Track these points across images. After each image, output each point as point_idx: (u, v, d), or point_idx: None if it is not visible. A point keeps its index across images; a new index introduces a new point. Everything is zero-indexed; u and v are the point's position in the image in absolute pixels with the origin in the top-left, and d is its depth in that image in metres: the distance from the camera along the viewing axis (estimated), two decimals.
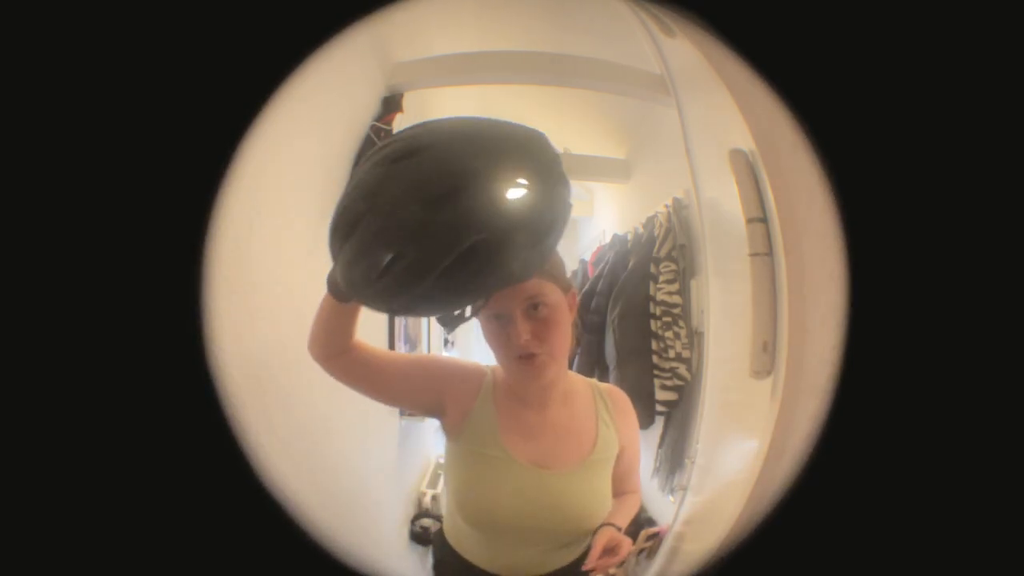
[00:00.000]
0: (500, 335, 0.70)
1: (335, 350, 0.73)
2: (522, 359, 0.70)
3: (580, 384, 0.81)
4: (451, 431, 0.77)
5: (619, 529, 0.76)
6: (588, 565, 0.71)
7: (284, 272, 1.04)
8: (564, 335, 0.72)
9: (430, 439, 2.31)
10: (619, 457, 0.81)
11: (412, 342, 2.02)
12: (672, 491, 1.60)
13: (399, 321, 1.70)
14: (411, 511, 1.96)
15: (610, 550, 0.72)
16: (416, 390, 0.76)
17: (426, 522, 1.91)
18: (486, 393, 0.76)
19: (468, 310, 0.64)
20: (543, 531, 0.74)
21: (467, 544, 0.80)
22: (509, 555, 0.77)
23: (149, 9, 0.49)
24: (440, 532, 0.85)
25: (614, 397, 0.83)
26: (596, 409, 0.80)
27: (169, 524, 0.50)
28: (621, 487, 0.83)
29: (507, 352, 0.70)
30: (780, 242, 0.98)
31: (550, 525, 0.74)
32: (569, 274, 0.76)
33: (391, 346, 1.68)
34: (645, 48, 1.52)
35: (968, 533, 0.50)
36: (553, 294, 0.70)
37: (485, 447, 0.74)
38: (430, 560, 0.87)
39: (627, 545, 0.73)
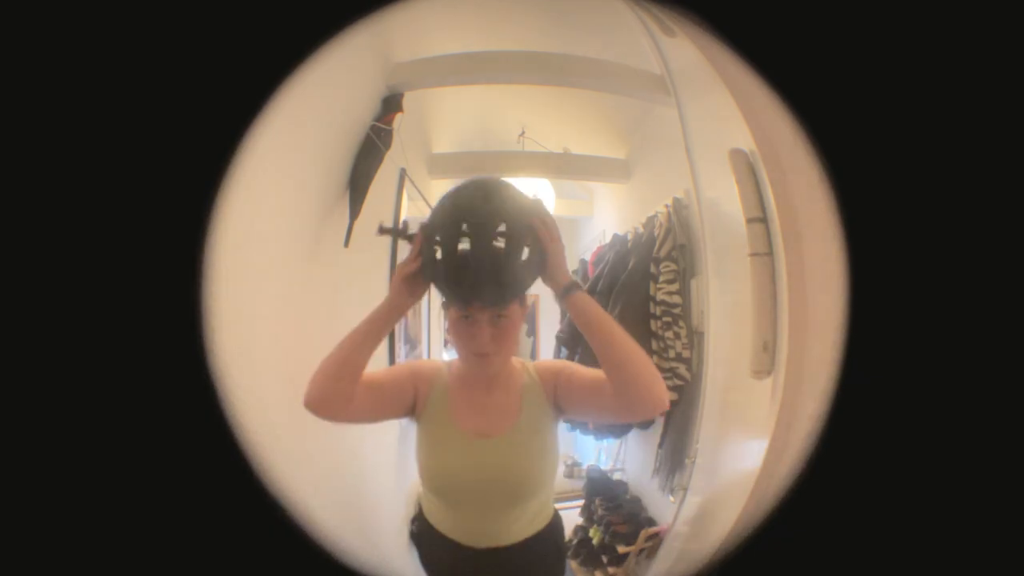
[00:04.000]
0: (465, 333, 0.85)
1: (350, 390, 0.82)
2: (479, 355, 0.85)
3: (517, 367, 0.96)
4: (417, 415, 0.93)
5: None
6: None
7: (284, 272, 1.04)
8: (516, 339, 0.89)
9: None
10: (562, 382, 0.91)
11: (412, 342, 2.02)
12: (672, 491, 1.60)
13: (399, 322, 1.70)
14: (411, 511, 1.95)
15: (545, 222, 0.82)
16: (405, 391, 0.91)
17: None
18: (441, 382, 0.93)
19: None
20: (492, 489, 0.87)
21: (438, 516, 0.93)
22: (471, 523, 0.90)
23: (152, 9, 0.49)
24: (419, 509, 0.99)
25: (539, 367, 0.97)
26: (522, 384, 0.93)
27: (170, 524, 0.50)
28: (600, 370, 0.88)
29: (468, 348, 0.86)
30: (780, 242, 0.99)
31: (496, 483, 0.87)
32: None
33: (391, 345, 1.68)
34: (645, 48, 1.52)
35: (967, 532, 0.50)
36: (515, 308, 0.85)
37: (440, 424, 0.90)
38: (412, 529, 1.00)
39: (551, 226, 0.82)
